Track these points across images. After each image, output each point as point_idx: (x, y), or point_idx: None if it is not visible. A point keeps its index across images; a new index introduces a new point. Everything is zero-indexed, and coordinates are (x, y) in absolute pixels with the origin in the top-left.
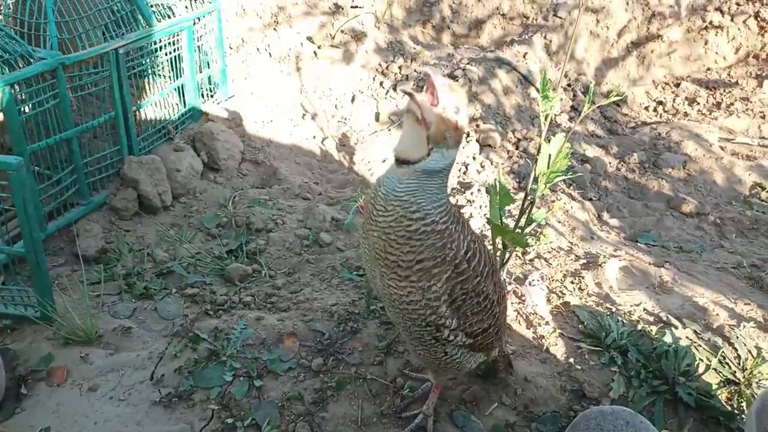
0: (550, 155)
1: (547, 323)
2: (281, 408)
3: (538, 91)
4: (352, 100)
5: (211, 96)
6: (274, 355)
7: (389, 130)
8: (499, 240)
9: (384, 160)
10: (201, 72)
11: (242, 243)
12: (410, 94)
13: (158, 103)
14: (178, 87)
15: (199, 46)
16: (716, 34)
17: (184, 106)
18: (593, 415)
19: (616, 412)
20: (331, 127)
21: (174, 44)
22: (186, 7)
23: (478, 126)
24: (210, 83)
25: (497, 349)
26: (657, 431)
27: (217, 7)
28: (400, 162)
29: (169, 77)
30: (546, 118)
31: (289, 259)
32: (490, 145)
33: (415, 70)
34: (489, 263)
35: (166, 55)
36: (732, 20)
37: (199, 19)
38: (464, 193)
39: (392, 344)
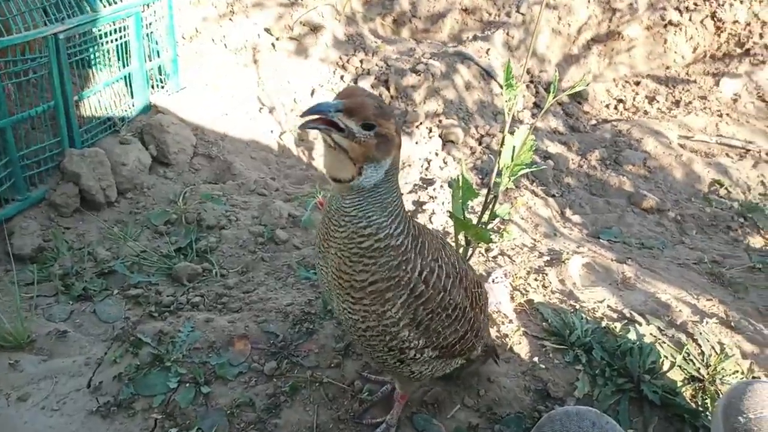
0: (514, 147)
1: (510, 321)
2: (230, 416)
3: (500, 86)
4: (312, 93)
5: (162, 87)
6: (223, 359)
7: None
8: (461, 235)
9: None
10: (150, 61)
11: (192, 240)
12: (315, 128)
13: (103, 93)
14: (126, 76)
15: (148, 34)
16: (675, 33)
17: (132, 97)
18: (558, 417)
19: (581, 413)
20: (289, 121)
21: (120, 31)
22: None
23: (440, 121)
24: (161, 73)
25: (480, 347)
26: (622, 431)
27: None
28: (334, 180)
29: (116, 66)
30: (510, 108)
31: (242, 258)
32: (452, 141)
33: (376, 64)
34: (454, 270)
35: (111, 42)
36: (690, 19)
37: (148, 5)
38: (426, 189)
39: (350, 346)
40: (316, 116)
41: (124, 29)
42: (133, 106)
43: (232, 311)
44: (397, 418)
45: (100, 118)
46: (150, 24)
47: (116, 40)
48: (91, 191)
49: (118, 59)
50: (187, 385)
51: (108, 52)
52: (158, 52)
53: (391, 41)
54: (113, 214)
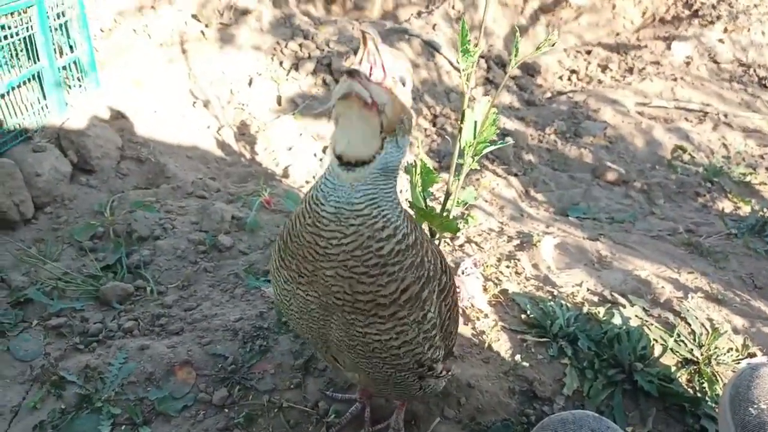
0: (475, 123)
1: (486, 316)
2: None
3: (450, 62)
4: (250, 83)
5: (80, 86)
6: (164, 392)
7: (294, 114)
8: (425, 226)
9: (290, 148)
10: (62, 57)
11: (122, 256)
12: (353, 72)
13: (9, 95)
14: (35, 75)
15: (59, 26)
16: None
17: (45, 98)
18: (553, 426)
19: (578, 419)
20: (227, 115)
21: (22, 23)
22: None
23: None
24: (78, 71)
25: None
26: None
27: None
28: (348, 165)
29: (22, 64)
30: (468, 78)
31: (181, 270)
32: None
33: (317, 47)
34: (434, 250)
35: (13, 36)
36: None
37: None
38: None
39: (310, 361)
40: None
41: (28, 21)
42: (47, 108)
43: (172, 334)
44: (401, 420)
45: (8, 124)
46: (59, 15)
47: (18, 33)
48: (2, 208)
49: (26, 56)
50: (123, 427)
51: (10, 47)
52: (71, 46)
53: (326, 22)
54: (31, 233)
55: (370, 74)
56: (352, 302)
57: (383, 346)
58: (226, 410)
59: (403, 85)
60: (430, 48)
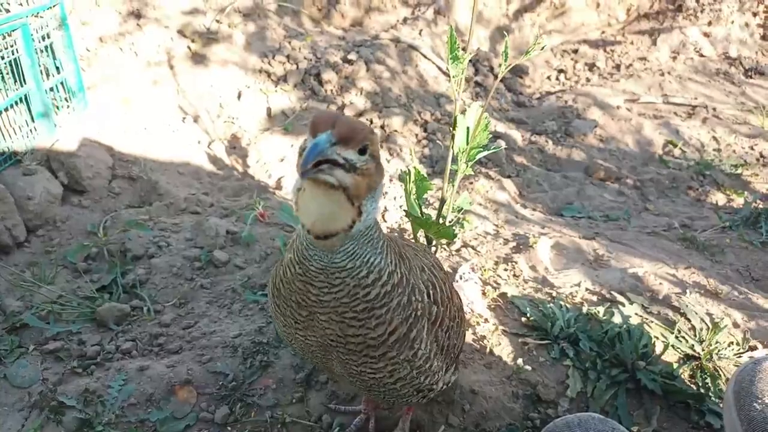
0: (468, 129)
1: (486, 321)
2: None
3: (439, 68)
4: (239, 96)
5: (68, 106)
6: (165, 412)
7: (285, 128)
8: (421, 233)
9: (282, 159)
10: (49, 78)
11: (117, 276)
12: (316, 176)
13: None
14: (23, 98)
15: (45, 48)
16: None
17: (33, 121)
18: (558, 430)
19: (583, 421)
20: (217, 129)
21: (8, 47)
22: (20, 4)
23: (380, 111)
24: (66, 91)
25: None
26: None
27: None
28: (325, 237)
29: (8, 87)
30: (459, 85)
31: (178, 288)
32: (396, 130)
33: (304, 57)
34: (441, 273)
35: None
36: None
37: (37, 14)
38: None
39: (312, 374)
40: (313, 163)
41: (12, 44)
42: (35, 130)
43: (171, 353)
44: (407, 429)
45: None
46: (44, 37)
47: (2, 58)
48: None
49: (12, 78)
50: None
51: None
52: (58, 67)
53: (315, 32)
54: (24, 257)
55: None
56: (345, 344)
57: (378, 382)
58: (229, 428)
59: (364, 152)
60: (422, 55)
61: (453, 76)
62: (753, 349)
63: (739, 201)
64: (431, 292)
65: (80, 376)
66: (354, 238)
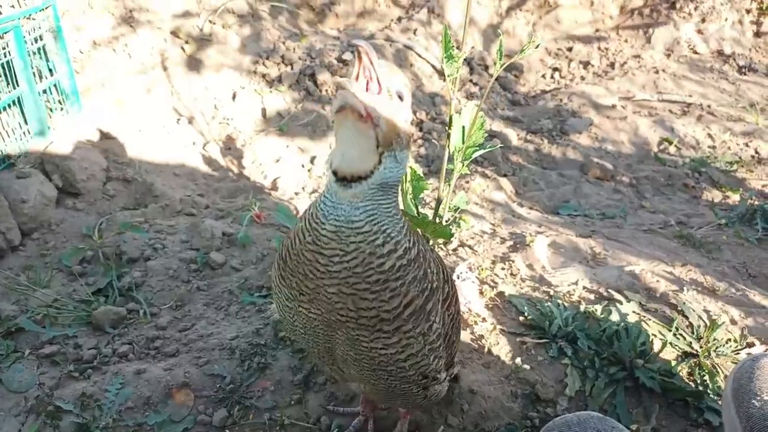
0: (463, 128)
1: (484, 320)
2: None
3: (434, 68)
4: (233, 97)
5: (62, 108)
6: (163, 416)
7: (280, 127)
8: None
9: (278, 160)
10: (42, 81)
11: (113, 279)
12: (342, 87)
13: None
14: (16, 101)
15: (37, 50)
16: None
17: (26, 123)
18: (557, 429)
19: (582, 420)
20: (212, 130)
21: (1, 49)
22: (12, 6)
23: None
24: (59, 93)
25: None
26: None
27: (52, 1)
28: (345, 180)
29: (0, 90)
30: (454, 83)
31: (174, 290)
32: None
33: (299, 58)
34: (436, 259)
35: None
36: None
37: (29, 16)
38: None
39: (310, 375)
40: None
41: (5, 47)
42: (29, 133)
43: (168, 356)
44: (406, 430)
45: None
46: (36, 39)
47: None
48: None
49: (6, 82)
50: None
51: None
52: (51, 69)
53: (310, 32)
54: (19, 260)
55: (367, 88)
56: (356, 318)
57: (389, 359)
58: (227, 431)
59: (401, 99)
60: (417, 54)
61: (448, 75)
62: (750, 345)
63: (734, 198)
64: (444, 270)
65: (77, 380)
66: (374, 196)
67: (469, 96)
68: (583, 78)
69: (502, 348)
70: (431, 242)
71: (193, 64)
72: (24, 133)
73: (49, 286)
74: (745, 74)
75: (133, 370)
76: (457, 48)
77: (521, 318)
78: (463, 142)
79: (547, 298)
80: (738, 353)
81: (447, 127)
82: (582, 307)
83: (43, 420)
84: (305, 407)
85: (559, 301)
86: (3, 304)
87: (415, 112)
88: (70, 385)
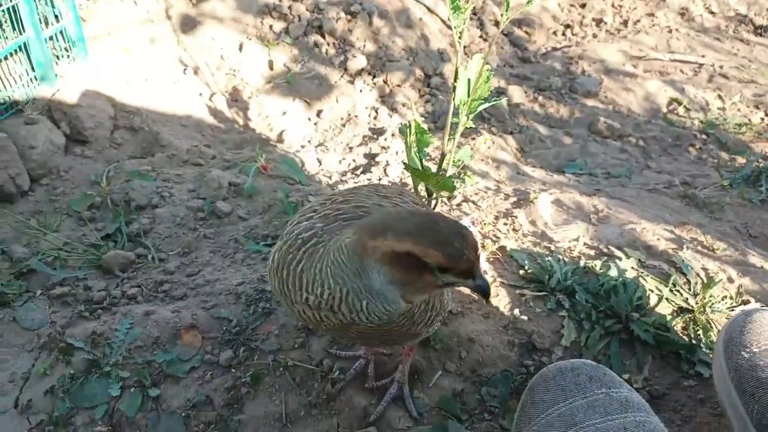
0: (469, 81)
1: (485, 273)
2: (186, 418)
3: (444, 22)
4: (240, 48)
5: (68, 56)
6: (171, 355)
7: (288, 81)
8: (422, 187)
9: (284, 113)
10: (48, 27)
11: (122, 224)
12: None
13: None
14: (22, 47)
15: None
16: None
17: (33, 70)
18: (551, 375)
19: (576, 367)
20: (219, 82)
21: None
22: None
23: (384, 65)
24: (65, 41)
25: None
26: (621, 380)
27: None
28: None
29: (7, 35)
30: (460, 36)
31: (181, 237)
32: (399, 85)
33: (306, 9)
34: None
35: None
36: None
37: None
38: (377, 139)
39: None
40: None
41: None
42: (36, 80)
43: (176, 299)
44: (407, 372)
45: None
46: None
47: (1, 5)
48: None
49: (12, 27)
50: (132, 390)
51: None
52: (57, 16)
53: None
54: (28, 205)
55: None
56: (379, 336)
57: (400, 336)
58: (233, 370)
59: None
60: (426, 8)
61: (455, 27)
62: (746, 303)
63: (741, 160)
64: None
65: (87, 320)
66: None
67: (480, 51)
68: (595, 36)
69: (501, 300)
70: (434, 196)
71: (200, 14)
72: (31, 79)
73: (59, 231)
74: (761, 35)
75: (142, 311)
76: (467, 1)
77: (521, 272)
78: (469, 96)
79: (547, 253)
80: (732, 310)
81: (453, 80)
82: (582, 263)
83: (56, 356)
84: (308, 350)
85: (560, 256)
86: (14, 246)
87: (423, 68)
88: (80, 324)
